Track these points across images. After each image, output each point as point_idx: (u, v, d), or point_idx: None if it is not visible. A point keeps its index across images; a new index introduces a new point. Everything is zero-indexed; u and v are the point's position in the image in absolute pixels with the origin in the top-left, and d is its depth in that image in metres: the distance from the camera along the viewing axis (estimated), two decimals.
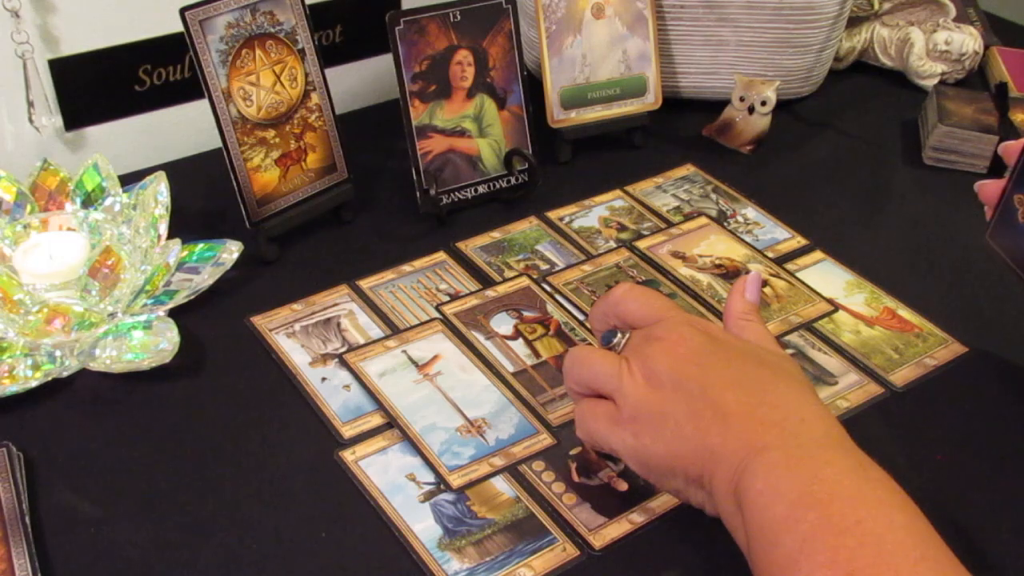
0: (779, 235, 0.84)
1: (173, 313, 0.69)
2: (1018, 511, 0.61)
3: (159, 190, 0.74)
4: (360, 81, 0.99)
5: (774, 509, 0.47)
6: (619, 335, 0.58)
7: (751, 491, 0.49)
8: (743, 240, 0.83)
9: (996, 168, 0.90)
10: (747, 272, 0.62)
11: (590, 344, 0.71)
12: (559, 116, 0.91)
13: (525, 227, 0.84)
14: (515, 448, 0.63)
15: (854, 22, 1.08)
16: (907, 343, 0.73)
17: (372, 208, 0.85)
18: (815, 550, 0.45)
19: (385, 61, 0.82)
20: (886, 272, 0.80)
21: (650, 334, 0.56)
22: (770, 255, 0.81)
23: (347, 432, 0.64)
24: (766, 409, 0.51)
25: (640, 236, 0.83)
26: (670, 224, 0.85)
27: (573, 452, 0.63)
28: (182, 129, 0.91)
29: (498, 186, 0.86)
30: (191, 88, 0.87)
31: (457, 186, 0.84)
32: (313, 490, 0.60)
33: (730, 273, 0.79)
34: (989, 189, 0.67)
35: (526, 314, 0.74)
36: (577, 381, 0.58)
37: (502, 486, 0.61)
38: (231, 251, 0.74)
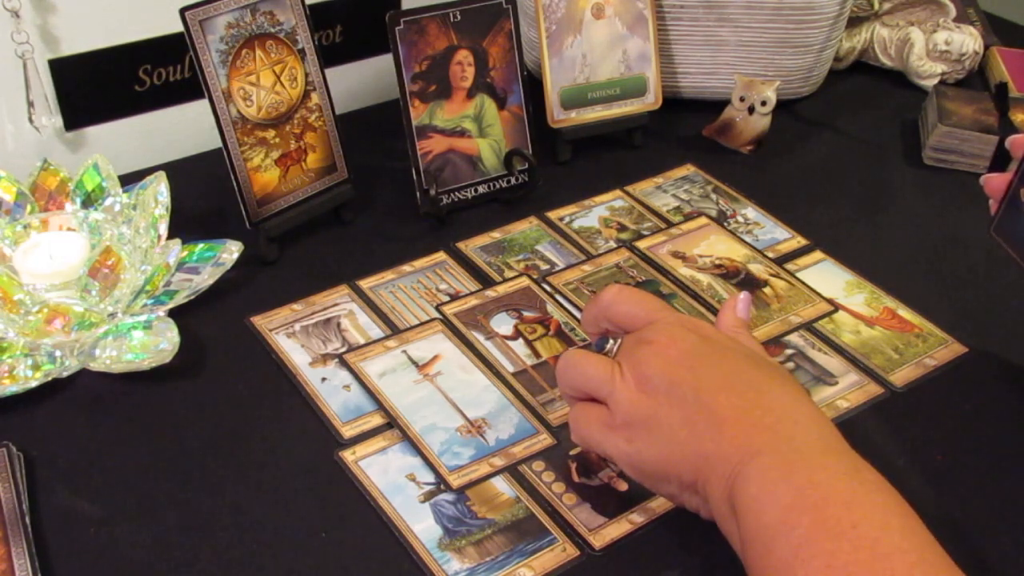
0: (779, 235, 0.84)
1: (173, 313, 0.69)
2: (1018, 511, 0.61)
3: (159, 190, 0.74)
4: (360, 81, 0.99)
5: (768, 514, 0.47)
6: (611, 342, 0.58)
7: (745, 496, 0.49)
8: (743, 240, 0.83)
9: (996, 168, 0.90)
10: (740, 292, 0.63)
11: (589, 344, 0.70)
12: (559, 116, 0.91)
13: (525, 227, 0.84)
14: (515, 448, 0.63)
15: (854, 22, 1.08)
16: (907, 343, 0.73)
17: (372, 208, 0.85)
18: (810, 555, 0.45)
19: (385, 61, 0.82)
20: (886, 272, 0.80)
21: (641, 337, 0.56)
22: (770, 255, 0.81)
23: (347, 432, 0.64)
24: (759, 413, 0.51)
25: (640, 236, 0.83)
26: (670, 224, 0.85)
27: (573, 452, 0.63)
28: (182, 129, 0.91)
29: (498, 186, 0.86)
30: (191, 88, 0.87)
31: (457, 186, 0.84)
32: (313, 490, 0.60)
33: (730, 273, 0.79)
34: (995, 182, 0.67)
35: (526, 314, 0.74)
36: (570, 385, 0.58)
37: (502, 486, 0.61)
38: (231, 251, 0.74)
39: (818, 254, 0.82)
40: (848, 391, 0.69)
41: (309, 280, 0.76)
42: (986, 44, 1.08)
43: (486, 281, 0.77)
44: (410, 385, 0.67)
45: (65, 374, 0.66)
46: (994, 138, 0.91)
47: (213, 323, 0.72)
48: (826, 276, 0.79)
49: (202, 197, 0.83)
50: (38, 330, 0.64)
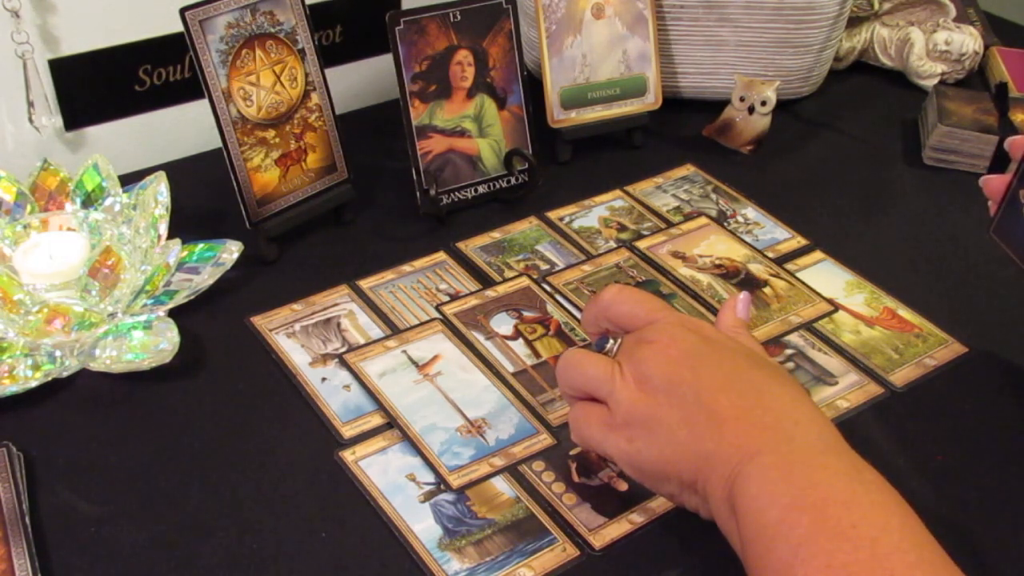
0: (779, 235, 0.84)
1: (173, 313, 0.69)
2: (1018, 511, 0.61)
3: (159, 190, 0.74)
4: (360, 81, 0.99)
5: (768, 514, 0.47)
6: (611, 341, 0.58)
7: (745, 496, 0.49)
8: (743, 240, 0.83)
9: (995, 168, 0.90)
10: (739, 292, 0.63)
11: (589, 344, 0.70)
12: (559, 116, 0.91)
13: (525, 227, 0.84)
14: (515, 448, 0.63)
15: (854, 22, 1.08)
16: (907, 343, 0.73)
17: (372, 208, 0.85)
18: (810, 555, 0.45)
19: (385, 61, 0.82)
20: (886, 272, 0.80)
21: (642, 337, 0.56)
22: (770, 255, 0.81)
23: (347, 432, 0.64)
24: (760, 413, 0.51)
25: (640, 236, 0.83)
26: (670, 224, 0.85)
27: (573, 452, 0.63)
28: (182, 129, 0.91)
29: (498, 186, 0.86)
30: (191, 88, 0.87)
31: (457, 186, 0.84)
32: (313, 490, 0.60)
33: (730, 273, 0.79)
34: (994, 184, 0.67)
35: (526, 314, 0.74)
36: (570, 385, 0.58)
37: (502, 486, 0.61)
38: (231, 251, 0.74)
39: (818, 254, 0.82)
40: (848, 391, 0.69)
41: (309, 280, 0.76)
42: (986, 44, 1.08)
43: (486, 281, 0.77)
44: (410, 385, 0.67)
45: (65, 374, 0.66)
46: (994, 138, 0.91)
47: (213, 323, 0.72)
48: (826, 276, 0.79)
49: (202, 197, 0.83)
50: (38, 330, 0.64)
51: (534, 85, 0.88)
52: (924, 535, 0.46)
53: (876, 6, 1.08)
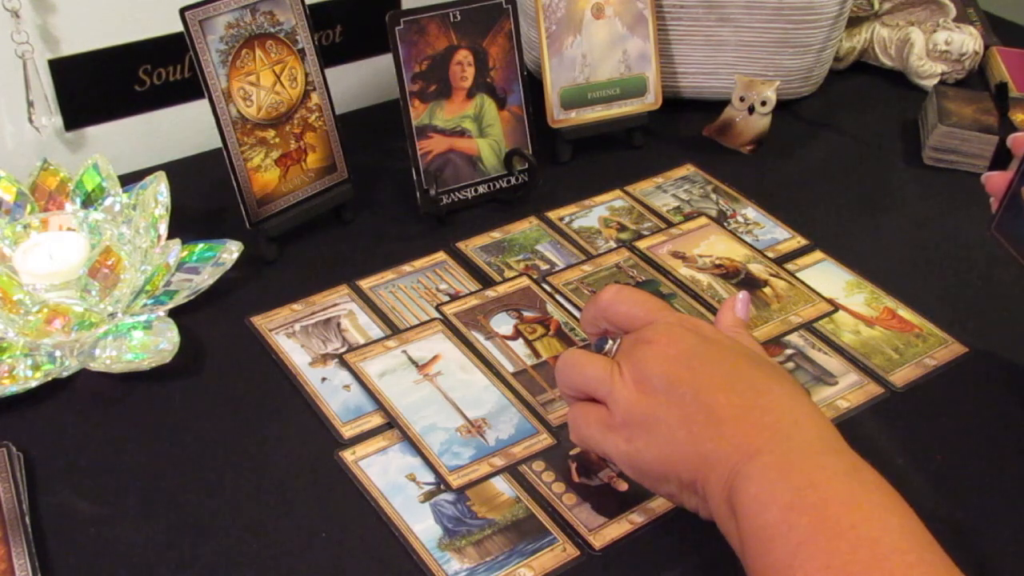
0: (779, 235, 0.84)
1: (173, 313, 0.69)
2: (1018, 511, 0.61)
3: (159, 190, 0.74)
4: (360, 81, 0.99)
5: (768, 514, 0.47)
6: (610, 342, 0.58)
7: (744, 496, 0.49)
8: (743, 240, 0.83)
9: (996, 168, 0.90)
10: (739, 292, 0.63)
11: (588, 344, 0.70)
12: (559, 116, 0.91)
13: (525, 227, 0.84)
14: (515, 448, 0.63)
15: (854, 22, 1.08)
16: (907, 343, 0.73)
17: (372, 208, 0.85)
18: (810, 555, 0.45)
19: (385, 61, 0.82)
20: (886, 272, 0.80)
21: (641, 337, 0.56)
22: (770, 255, 0.81)
23: (347, 432, 0.64)
24: (759, 412, 0.51)
25: (640, 236, 0.83)
26: (670, 224, 0.85)
27: (573, 452, 0.63)
28: (182, 129, 0.91)
29: (498, 186, 0.86)
30: (191, 88, 0.87)
31: (457, 186, 0.84)
32: (313, 490, 0.60)
33: (730, 273, 0.79)
34: (996, 181, 0.67)
35: (526, 314, 0.74)
36: (569, 385, 0.58)
37: (502, 486, 0.61)
38: (231, 251, 0.74)
39: (818, 254, 0.82)
40: (848, 391, 0.69)
41: (309, 280, 0.76)
42: (986, 44, 1.08)
43: (486, 281, 0.77)
44: (410, 385, 0.67)
45: (65, 374, 0.66)
46: (994, 138, 0.91)
47: (213, 323, 0.72)
48: (826, 276, 0.79)
49: (202, 197, 0.83)
50: (38, 330, 0.64)
51: (534, 85, 0.88)
52: (924, 535, 0.46)
53: (876, 6, 1.08)
